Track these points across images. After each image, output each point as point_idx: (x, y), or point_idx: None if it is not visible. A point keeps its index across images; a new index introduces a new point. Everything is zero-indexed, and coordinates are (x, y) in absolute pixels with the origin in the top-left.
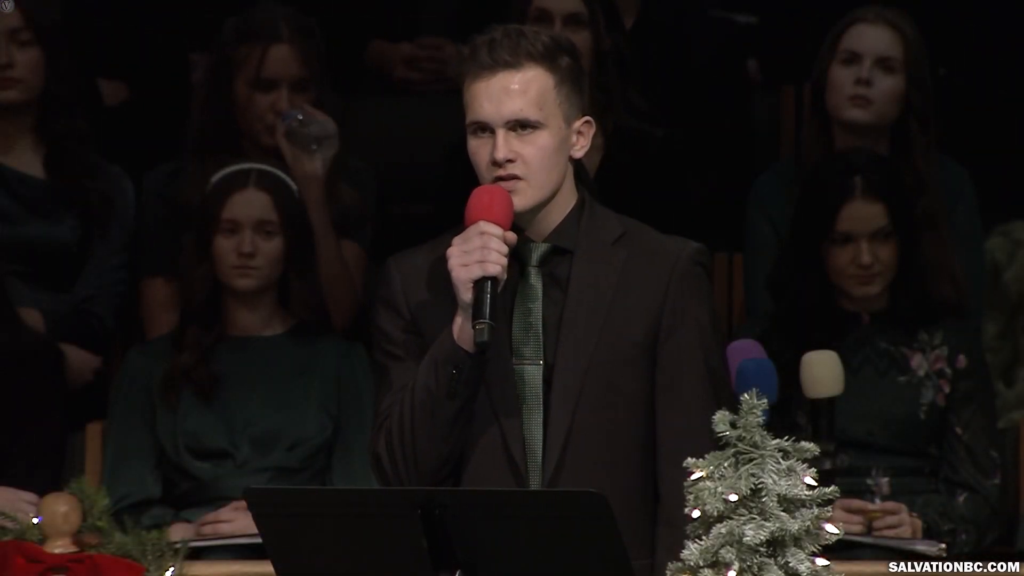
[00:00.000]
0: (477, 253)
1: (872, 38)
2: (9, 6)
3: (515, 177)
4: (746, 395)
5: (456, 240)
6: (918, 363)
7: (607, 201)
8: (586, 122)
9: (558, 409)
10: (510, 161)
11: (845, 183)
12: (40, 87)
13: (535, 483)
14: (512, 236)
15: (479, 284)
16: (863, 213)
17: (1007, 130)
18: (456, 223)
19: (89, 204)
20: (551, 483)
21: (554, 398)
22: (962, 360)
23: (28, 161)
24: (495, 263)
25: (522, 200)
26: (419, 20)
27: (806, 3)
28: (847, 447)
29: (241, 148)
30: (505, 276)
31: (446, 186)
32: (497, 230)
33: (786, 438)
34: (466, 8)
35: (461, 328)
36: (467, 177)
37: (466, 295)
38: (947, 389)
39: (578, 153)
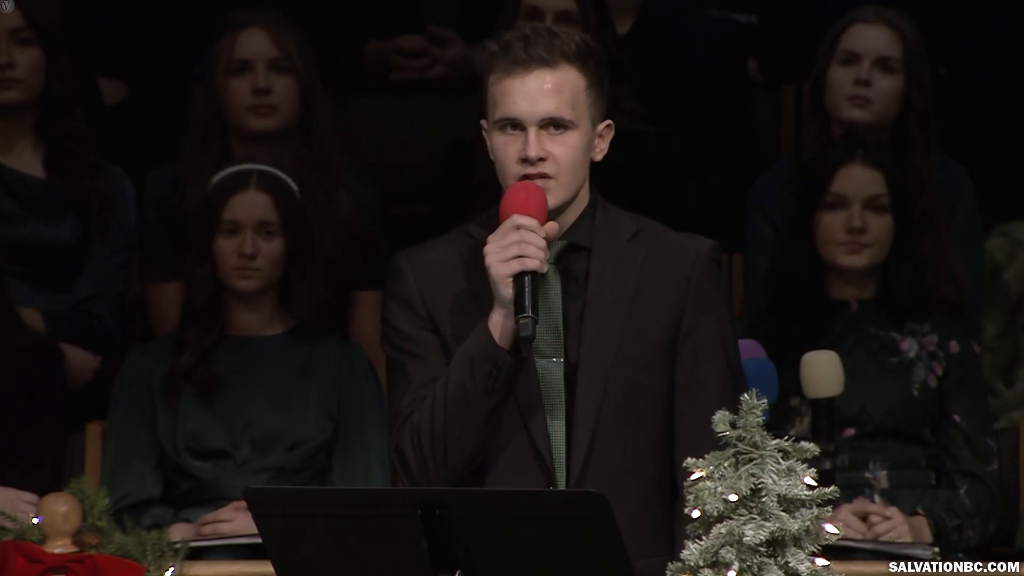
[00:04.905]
0: (515, 248)
1: (871, 38)
2: (9, 6)
3: (544, 176)
4: (746, 395)
5: (492, 236)
6: (908, 346)
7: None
8: (607, 126)
9: (583, 406)
10: (541, 160)
11: (846, 150)
12: (40, 87)
13: (561, 480)
14: (553, 226)
15: (519, 279)
16: (860, 177)
17: (1007, 130)
18: (455, 222)
19: (89, 204)
20: (578, 481)
21: (579, 395)
22: (954, 346)
23: (28, 161)
24: (534, 256)
25: (550, 199)
26: (420, 20)
27: (806, 3)
28: (842, 427)
29: (230, 147)
30: (545, 269)
31: (445, 186)
32: (534, 223)
33: (786, 437)
34: (466, 7)
35: (500, 325)
36: (465, 176)
37: (506, 291)
38: (939, 372)
39: (598, 156)
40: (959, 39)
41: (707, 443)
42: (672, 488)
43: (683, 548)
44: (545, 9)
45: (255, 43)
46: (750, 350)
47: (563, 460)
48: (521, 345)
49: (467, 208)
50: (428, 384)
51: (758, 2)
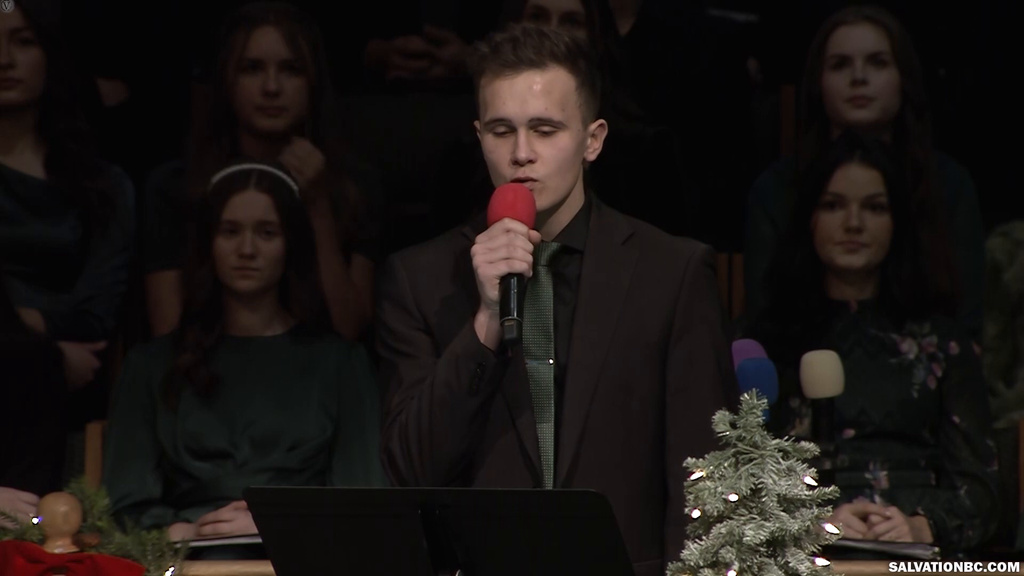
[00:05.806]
0: (503, 250)
1: (857, 38)
2: (9, 6)
3: (532, 179)
4: (746, 395)
5: (480, 237)
6: (908, 347)
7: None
8: (600, 125)
9: (572, 408)
10: (531, 161)
11: (844, 150)
12: (40, 87)
13: (548, 482)
14: (536, 235)
15: (505, 281)
16: (858, 176)
17: (1007, 130)
18: (453, 222)
19: (89, 204)
20: (565, 482)
21: (568, 397)
22: (954, 347)
23: (28, 161)
24: (521, 260)
25: (539, 201)
26: (419, 20)
27: (806, 2)
28: (842, 428)
29: (239, 141)
30: (531, 273)
31: (442, 186)
32: (522, 227)
33: (786, 438)
34: (466, 7)
35: (486, 326)
36: (463, 177)
37: (492, 292)
38: (939, 373)
39: (591, 156)
40: (959, 39)
41: (697, 446)
42: (663, 491)
43: (675, 550)
44: (551, 10)
45: (268, 43)
46: (750, 350)
47: (551, 462)
48: (507, 346)
49: (465, 209)
50: (418, 384)
51: (758, 2)
